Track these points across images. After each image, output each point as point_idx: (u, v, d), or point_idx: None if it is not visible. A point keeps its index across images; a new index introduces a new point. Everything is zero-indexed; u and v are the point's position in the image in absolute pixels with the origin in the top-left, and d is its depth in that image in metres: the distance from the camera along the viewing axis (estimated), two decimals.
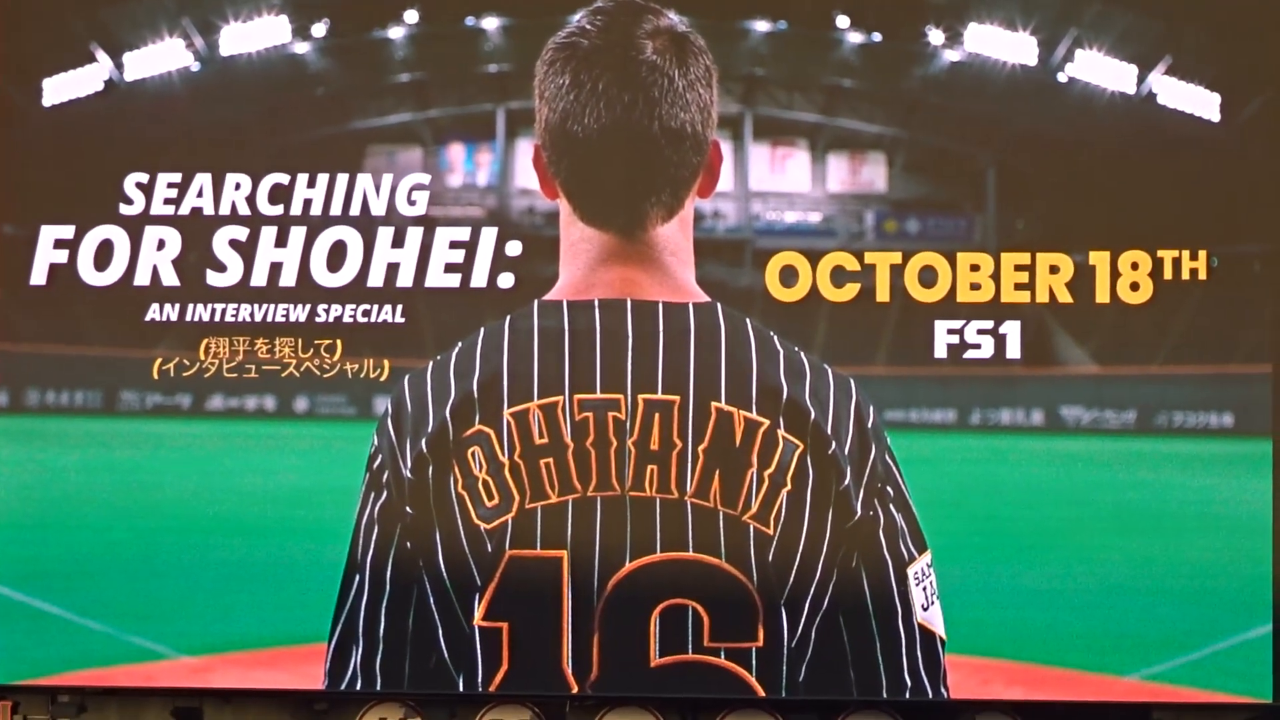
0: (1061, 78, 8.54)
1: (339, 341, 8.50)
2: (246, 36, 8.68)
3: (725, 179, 8.05)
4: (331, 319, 8.49)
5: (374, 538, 7.49)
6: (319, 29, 8.73)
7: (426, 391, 7.47)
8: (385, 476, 7.45)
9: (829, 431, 7.41)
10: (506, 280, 8.45)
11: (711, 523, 7.56)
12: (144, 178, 8.59)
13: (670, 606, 7.76)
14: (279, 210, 8.54)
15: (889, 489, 7.47)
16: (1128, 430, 8.53)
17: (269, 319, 8.52)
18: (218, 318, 8.54)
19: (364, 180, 8.54)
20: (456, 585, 7.52)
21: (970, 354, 8.41)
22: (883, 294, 8.44)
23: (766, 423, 7.49)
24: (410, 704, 8.52)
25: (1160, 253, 8.39)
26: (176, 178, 8.58)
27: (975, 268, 8.42)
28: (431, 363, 7.57)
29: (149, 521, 8.59)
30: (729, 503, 7.56)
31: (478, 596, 7.58)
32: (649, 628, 7.81)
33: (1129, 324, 8.42)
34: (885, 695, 7.65)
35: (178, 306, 8.55)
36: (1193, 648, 8.30)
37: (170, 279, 8.58)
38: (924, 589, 7.56)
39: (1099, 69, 8.51)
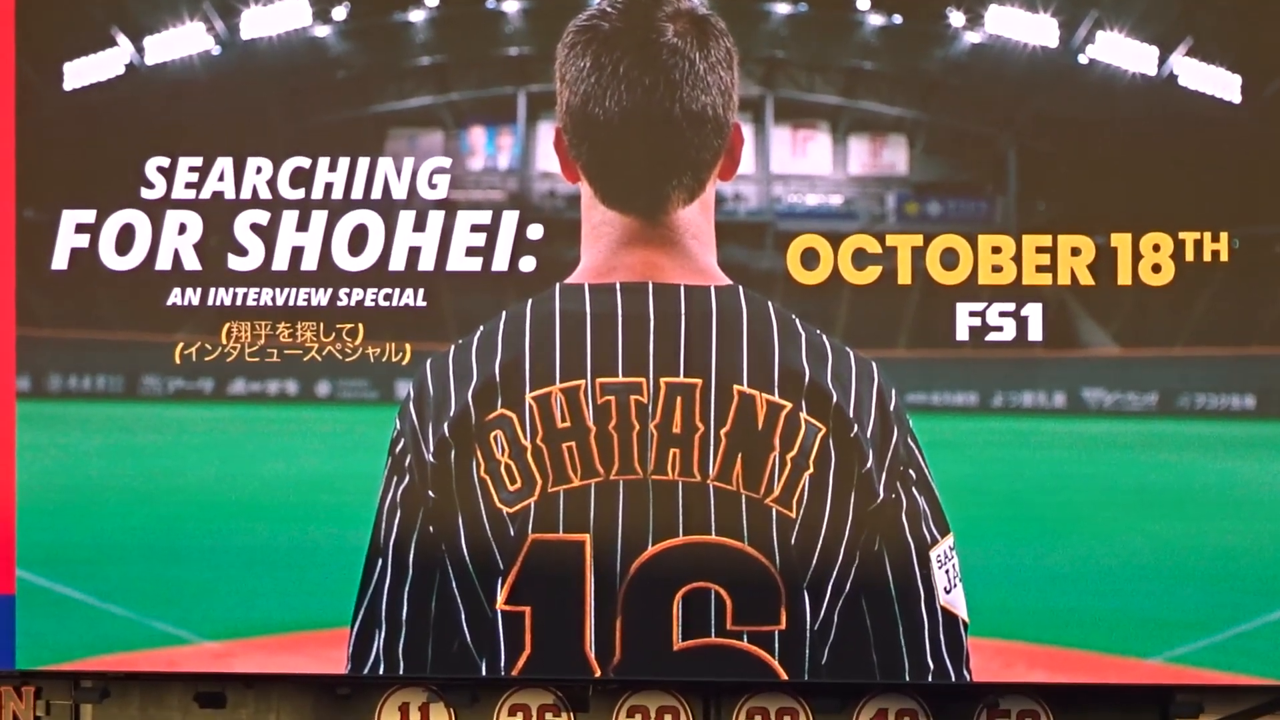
0: (1082, 59, 8.50)
1: (361, 325, 8.49)
2: (267, 20, 8.67)
3: (746, 162, 8.06)
4: (353, 303, 8.49)
5: (396, 522, 7.50)
6: (339, 12, 8.71)
7: (448, 375, 7.48)
8: (408, 460, 7.46)
9: (851, 414, 7.41)
10: (528, 264, 8.43)
11: (734, 506, 7.56)
12: (165, 162, 8.59)
13: (693, 590, 7.77)
14: (300, 194, 8.53)
15: (911, 472, 7.47)
16: (1150, 412, 8.51)
17: (290, 303, 8.51)
18: (239, 302, 8.53)
19: (385, 164, 8.53)
20: (479, 569, 7.52)
21: (992, 336, 8.39)
22: (904, 276, 8.42)
23: (789, 406, 7.48)
24: (433, 688, 8.53)
25: (1182, 234, 8.37)
26: (197, 161, 8.57)
27: (997, 250, 8.40)
28: (453, 346, 7.59)
29: (171, 506, 8.60)
30: (751, 486, 7.56)
31: (500, 580, 7.58)
32: (671, 611, 7.81)
33: (1151, 306, 8.40)
34: (907, 678, 7.66)
35: (199, 291, 8.55)
36: (1215, 630, 8.29)
37: (192, 263, 8.57)
38: (946, 572, 7.56)
39: (1120, 50, 8.48)
